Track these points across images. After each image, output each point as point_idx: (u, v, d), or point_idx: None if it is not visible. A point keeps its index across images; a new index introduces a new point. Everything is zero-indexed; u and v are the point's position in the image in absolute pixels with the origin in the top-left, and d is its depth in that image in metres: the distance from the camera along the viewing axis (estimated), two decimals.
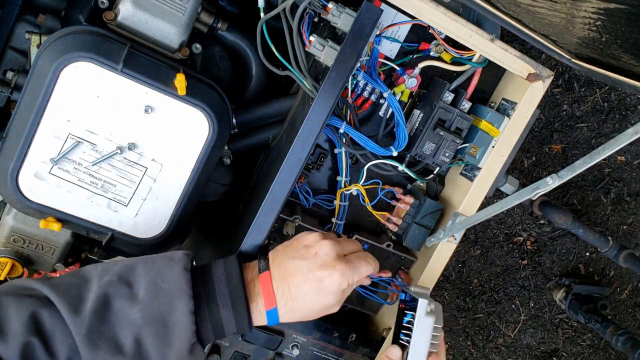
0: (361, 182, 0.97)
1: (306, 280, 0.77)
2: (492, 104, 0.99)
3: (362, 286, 0.95)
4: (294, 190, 0.95)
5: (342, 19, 0.82)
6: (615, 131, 1.95)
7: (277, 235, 0.96)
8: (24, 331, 0.67)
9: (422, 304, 0.84)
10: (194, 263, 0.79)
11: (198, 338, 0.74)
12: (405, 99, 0.95)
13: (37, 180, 0.84)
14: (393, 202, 1.01)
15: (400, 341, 0.86)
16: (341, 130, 0.89)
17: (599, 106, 1.93)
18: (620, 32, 0.63)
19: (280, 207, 0.86)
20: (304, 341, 1.01)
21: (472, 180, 0.97)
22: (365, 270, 0.80)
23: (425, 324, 0.84)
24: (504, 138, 0.94)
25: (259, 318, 0.78)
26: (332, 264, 0.77)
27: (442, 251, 0.98)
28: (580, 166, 0.73)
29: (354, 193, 0.99)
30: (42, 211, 0.86)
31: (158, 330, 0.71)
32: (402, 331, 0.86)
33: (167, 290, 0.73)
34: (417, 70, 0.93)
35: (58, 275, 1.09)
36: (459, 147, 0.94)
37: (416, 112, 0.96)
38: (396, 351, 0.86)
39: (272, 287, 0.77)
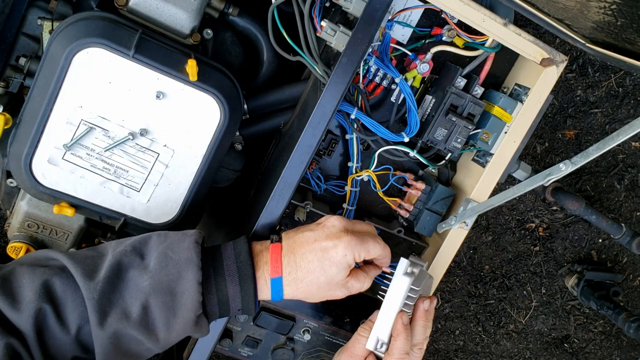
0: (372, 168, 0.97)
1: (312, 250, 0.78)
2: (505, 90, 0.98)
3: None
4: (305, 176, 0.95)
5: (354, 4, 0.82)
6: (629, 117, 1.92)
7: (289, 221, 0.96)
8: (36, 298, 0.69)
9: (402, 263, 0.85)
10: (205, 245, 0.80)
11: (203, 311, 0.75)
12: (417, 84, 0.95)
13: (50, 166, 0.84)
14: (404, 188, 1.01)
15: (379, 297, 0.87)
16: (352, 116, 0.89)
17: (614, 91, 1.91)
18: (636, 16, 0.62)
19: (292, 193, 0.86)
20: (315, 326, 1.01)
21: (484, 167, 0.96)
22: (373, 248, 0.80)
23: (401, 283, 0.84)
24: (517, 124, 0.93)
25: (264, 289, 0.79)
26: (338, 234, 0.78)
27: (453, 237, 0.98)
28: (594, 152, 0.72)
29: (365, 179, 0.99)
30: (55, 196, 0.87)
31: (165, 299, 0.73)
32: (380, 292, 0.87)
33: (176, 260, 0.74)
34: (429, 56, 0.92)
35: None
36: (471, 133, 0.94)
37: (428, 97, 0.95)
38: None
39: (280, 256, 0.79)
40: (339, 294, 0.82)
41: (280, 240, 0.82)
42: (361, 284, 0.83)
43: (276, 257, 0.79)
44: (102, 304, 0.70)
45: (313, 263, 0.78)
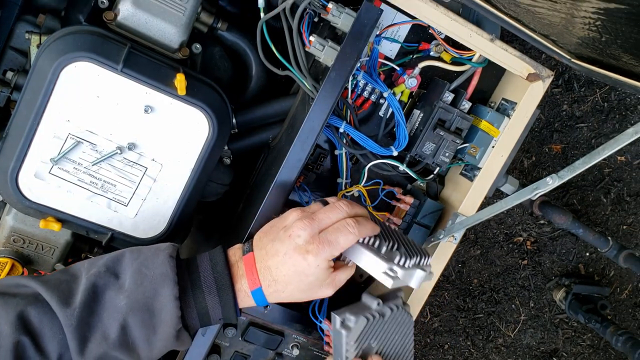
0: (362, 183, 0.97)
1: (284, 263, 0.77)
2: (492, 104, 0.99)
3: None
4: (294, 190, 0.95)
5: (342, 19, 0.82)
6: (615, 131, 1.95)
7: None
8: (12, 331, 0.68)
9: (333, 319, 0.83)
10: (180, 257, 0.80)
11: (184, 324, 0.75)
12: (405, 99, 0.95)
13: (37, 180, 0.84)
14: (393, 202, 1.01)
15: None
16: (341, 130, 0.89)
17: (599, 106, 1.93)
18: (620, 32, 0.63)
19: (280, 208, 0.86)
20: (304, 341, 1.01)
21: (472, 180, 0.97)
22: (344, 241, 0.77)
23: (337, 337, 0.83)
24: (504, 138, 0.94)
25: (246, 299, 0.78)
26: (304, 247, 0.76)
27: (442, 251, 0.98)
28: (580, 166, 0.73)
29: (356, 194, 0.99)
30: (42, 211, 0.86)
31: (143, 317, 0.72)
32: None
33: (151, 277, 0.73)
34: (417, 70, 0.93)
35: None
36: (459, 147, 0.94)
37: (416, 112, 0.95)
38: None
39: (256, 268, 0.78)
40: (328, 292, 0.81)
41: (251, 247, 0.80)
42: (347, 274, 0.82)
43: (251, 270, 0.78)
44: (81, 329, 0.70)
45: (289, 276, 0.77)
